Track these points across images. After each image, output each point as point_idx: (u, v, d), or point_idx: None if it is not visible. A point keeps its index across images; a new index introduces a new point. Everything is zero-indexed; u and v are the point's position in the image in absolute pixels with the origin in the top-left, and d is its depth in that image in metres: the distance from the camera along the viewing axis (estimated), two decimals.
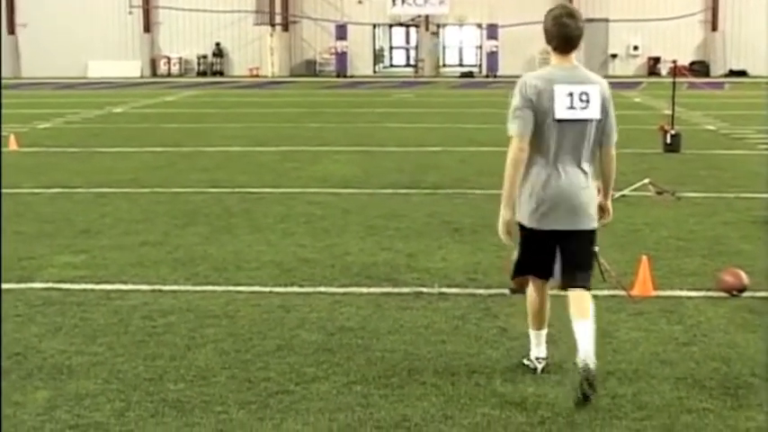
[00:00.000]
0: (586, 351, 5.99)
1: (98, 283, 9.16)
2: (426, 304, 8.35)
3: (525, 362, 6.69)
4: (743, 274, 8.69)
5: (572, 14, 6.14)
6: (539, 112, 6.05)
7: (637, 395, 6.22)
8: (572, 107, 6.06)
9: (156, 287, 8.99)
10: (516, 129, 6.08)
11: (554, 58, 6.21)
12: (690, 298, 8.54)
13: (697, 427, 5.71)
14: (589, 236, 6.31)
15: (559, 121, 6.05)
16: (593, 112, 6.12)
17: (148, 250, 10.59)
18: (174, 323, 7.83)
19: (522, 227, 6.32)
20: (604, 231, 11.31)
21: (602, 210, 6.48)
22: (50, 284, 9.08)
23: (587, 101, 6.08)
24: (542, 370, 6.57)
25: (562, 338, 7.42)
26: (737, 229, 11.60)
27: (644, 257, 8.78)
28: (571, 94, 6.06)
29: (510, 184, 6.18)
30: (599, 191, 6.40)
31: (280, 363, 6.84)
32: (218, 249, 10.58)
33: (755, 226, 11.81)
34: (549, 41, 6.18)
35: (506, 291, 8.65)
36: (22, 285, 9.02)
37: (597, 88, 6.14)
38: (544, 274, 6.44)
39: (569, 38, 6.11)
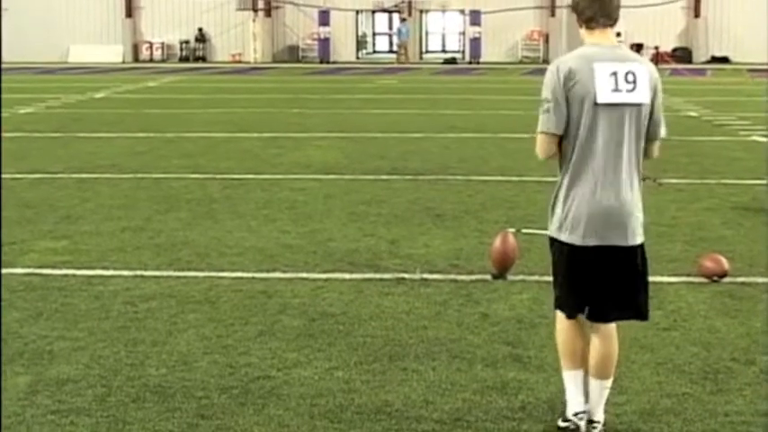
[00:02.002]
0: (600, 412, 5.43)
1: (79, 268, 9.13)
2: (408, 290, 8.36)
3: (562, 424, 5.52)
4: (723, 260, 8.73)
5: None
6: (575, 97, 5.05)
7: (617, 380, 6.22)
8: (617, 89, 5.06)
9: (138, 273, 8.98)
10: (545, 124, 5.10)
11: (589, 37, 5.21)
12: (671, 284, 8.58)
13: (677, 412, 5.74)
14: (642, 253, 5.32)
15: (603, 105, 5.05)
16: (643, 95, 5.11)
17: (130, 236, 10.56)
18: (156, 309, 7.83)
19: (556, 243, 5.34)
20: None
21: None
22: (31, 270, 9.05)
23: (634, 81, 5.08)
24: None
25: (542, 324, 7.45)
26: (719, 216, 11.65)
27: None
28: (615, 74, 5.05)
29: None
30: None
31: (261, 348, 6.84)
32: (199, 235, 10.56)
33: (737, 212, 11.86)
34: (582, 16, 5.19)
35: (488, 276, 8.70)
36: (4, 271, 8.98)
37: (645, 68, 5.15)
38: (583, 304, 5.35)
39: (607, 6, 5.15)
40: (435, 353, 6.74)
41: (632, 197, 5.19)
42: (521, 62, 54.03)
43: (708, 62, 52.75)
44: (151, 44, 57.34)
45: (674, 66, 38.77)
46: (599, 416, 5.43)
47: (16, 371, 6.41)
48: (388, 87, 35.17)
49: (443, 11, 58.83)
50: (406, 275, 8.81)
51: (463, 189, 13.44)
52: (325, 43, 55.23)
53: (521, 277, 8.73)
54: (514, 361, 6.59)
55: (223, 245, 10.08)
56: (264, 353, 6.74)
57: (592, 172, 5.12)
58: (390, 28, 61.62)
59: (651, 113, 5.22)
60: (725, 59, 53.25)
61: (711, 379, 6.27)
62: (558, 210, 5.25)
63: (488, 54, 54.08)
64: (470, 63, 53.66)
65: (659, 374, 6.35)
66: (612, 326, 5.38)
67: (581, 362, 5.42)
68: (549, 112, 5.08)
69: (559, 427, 5.51)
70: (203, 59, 56.63)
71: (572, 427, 5.43)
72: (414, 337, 7.11)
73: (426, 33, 60.51)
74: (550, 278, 8.69)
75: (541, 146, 5.17)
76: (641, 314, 5.40)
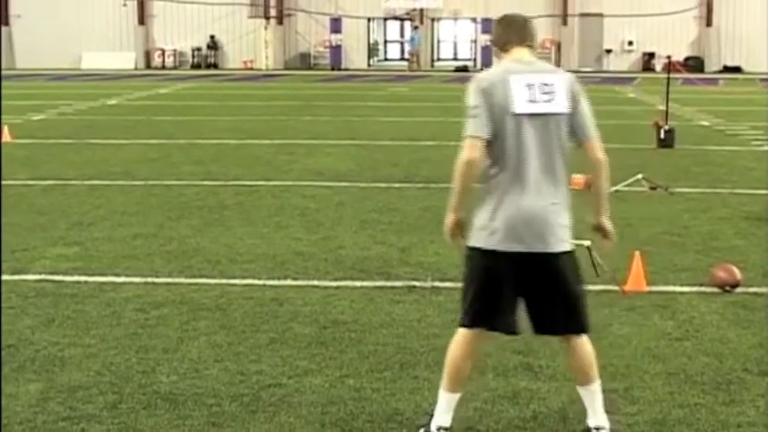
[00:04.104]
0: (602, 416, 5.47)
1: (91, 275, 9.15)
2: (419, 298, 8.35)
3: None
4: (736, 270, 8.70)
5: (521, 15, 5.61)
6: (495, 110, 5.17)
7: (629, 390, 6.23)
8: (533, 100, 5.20)
9: (149, 279, 8.98)
10: (472, 129, 5.19)
11: (506, 57, 5.43)
12: (683, 293, 8.55)
13: (689, 422, 5.72)
14: (569, 260, 5.32)
15: (519, 116, 5.18)
16: (560, 105, 5.24)
17: (142, 242, 10.57)
18: (167, 316, 7.83)
19: (473, 251, 5.32)
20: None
21: (598, 230, 5.57)
22: (43, 276, 9.07)
23: (551, 92, 5.23)
24: None
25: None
26: (731, 225, 11.62)
27: (637, 253, 8.79)
28: (531, 85, 5.20)
29: (459, 191, 5.29)
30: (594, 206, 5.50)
31: (272, 356, 6.84)
32: (211, 242, 10.57)
33: (749, 222, 11.82)
34: (499, 43, 5.50)
35: None
36: (16, 277, 9.00)
37: (561, 77, 5.31)
38: (496, 322, 5.33)
39: (521, 30, 5.44)
40: None
41: (555, 205, 5.25)
42: None
43: (720, 72, 52.67)
44: (163, 51, 57.47)
45: (686, 75, 38.68)
46: (601, 421, 5.43)
47: (28, 378, 6.42)
48: (400, 95, 35.17)
49: (455, 19, 58.84)
50: (417, 283, 8.80)
51: (475, 198, 13.40)
52: (336, 50, 55.30)
53: None
54: (526, 370, 6.58)
55: (234, 252, 10.08)
56: (275, 360, 6.74)
57: (513, 181, 5.21)
58: (402, 36, 61.59)
59: (575, 120, 5.30)
60: (737, 69, 53.16)
61: (724, 389, 6.24)
62: (481, 218, 5.30)
63: None
64: (482, 71, 53.58)
65: (671, 385, 6.33)
66: (582, 336, 5.41)
67: (463, 384, 5.46)
68: (477, 117, 5.20)
69: None
70: (215, 66, 56.73)
71: None
72: (425, 345, 7.09)
73: (438, 41, 60.48)
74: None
75: (469, 150, 5.20)
76: (583, 327, 5.39)
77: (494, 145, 5.21)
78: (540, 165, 5.21)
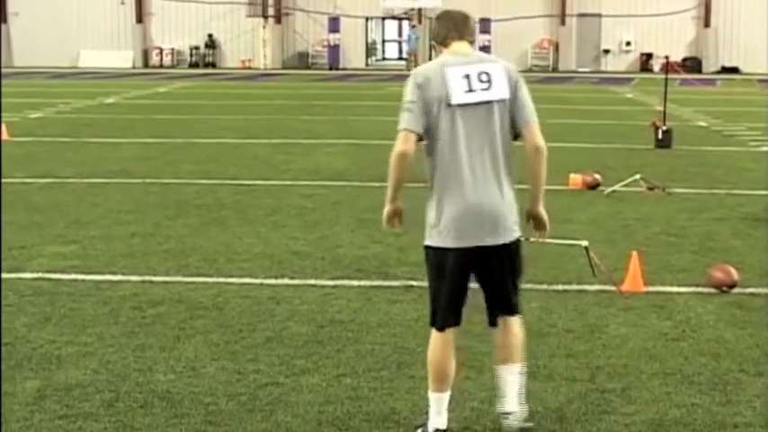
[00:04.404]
0: (513, 402, 5.50)
1: (88, 273, 9.14)
2: (417, 297, 8.35)
3: None
4: (733, 271, 8.71)
5: (461, 11, 5.57)
6: (432, 103, 5.19)
7: (626, 390, 6.23)
8: (471, 89, 5.20)
9: (147, 278, 8.98)
10: (405, 122, 5.23)
11: (446, 50, 5.40)
12: (680, 294, 8.56)
13: (686, 422, 5.72)
14: (515, 249, 5.43)
15: (458, 106, 5.19)
16: (500, 92, 5.23)
17: (139, 241, 10.57)
18: (164, 314, 7.83)
19: (428, 250, 5.40)
20: (595, 226, 11.45)
21: (533, 219, 5.58)
22: (40, 274, 9.07)
23: (488, 80, 5.22)
24: None
25: (550, 333, 7.44)
26: (728, 226, 11.62)
27: (634, 253, 8.79)
28: (468, 76, 5.21)
29: (393, 184, 5.40)
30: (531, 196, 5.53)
31: (269, 355, 6.84)
32: (208, 241, 10.57)
33: (746, 222, 11.83)
34: (439, 39, 5.44)
35: None
36: (12, 275, 9.00)
37: (499, 66, 5.30)
38: (457, 315, 5.45)
39: (459, 25, 5.42)
40: None
41: (502, 194, 5.31)
42: (530, 70, 53.98)
43: (718, 72, 52.69)
44: (161, 50, 57.42)
45: (683, 76, 38.70)
46: (512, 406, 5.46)
47: (25, 376, 6.42)
48: (398, 94, 35.04)
49: None
50: (414, 283, 8.80)
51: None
52: (334, 50, 55.28)
53: (529, 286, 8.68)
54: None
55: (232, 251, 10.08)
56: (272, 359, 6.74)
57: (458, 174, 5.23)
58: (400, 35, 61.60)
59: (515, 106, 5.30)
60: (735, 70, 53.17)
61: (720, 390, 6.25)
62: (431, 216, 5.35)
63: None
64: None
65: (668, 385, 6.33)
66: (516, 317, 5.54)
67: (448, 383, 5.48)
68: (410, 112, 5.23)
69: None
70: (213, 65, 56.69)
71: None
72: (422, 344, 7.06)
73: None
74: (560, 286, 8.78)
75: (402, 142, 5.24)
76: (514, 309, 5.54)
77: (434, 139, 5.25)
78: (482, 155, 5.24)
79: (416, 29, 56.20)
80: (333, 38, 55.17)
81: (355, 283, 8.86)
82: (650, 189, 13.80)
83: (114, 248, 10.17)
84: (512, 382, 5.49)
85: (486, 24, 54.38)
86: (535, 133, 5.34)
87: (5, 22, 57.60)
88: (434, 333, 5.47)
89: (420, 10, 56.75)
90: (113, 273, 9.16)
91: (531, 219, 5.57)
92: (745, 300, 8.38)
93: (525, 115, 5.33)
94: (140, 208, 12.55)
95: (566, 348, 7.04)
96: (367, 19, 57.87)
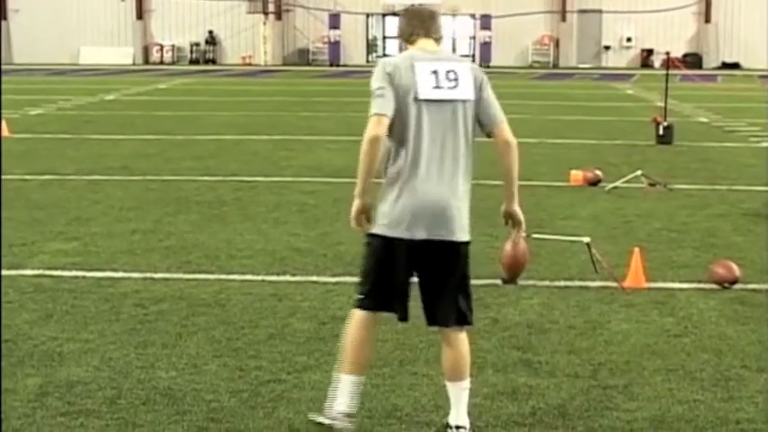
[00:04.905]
0: (463, 415, 5.40)
1: (89, 270, 9.14)
2: (418, 294, 8.32)
3: (318, 419, 5.52)
4: (734, 266, 8.70)
5: (429, 8, 5.61)
6: (399, 93, 5.14)
7: (628, 386, 6.23)
8: (438, 86, 5.18)
9: (148, 275, 8.98)
10: (377, 107, 5.13)
11: (411, 47, 5.36)
12: (682, 290, 8.55)
13: (688, 419, 5.72)
14: (464, 251, 5.36)
15: (424, 101, 5.15)
16: (466, 92, 5.23)
17: (140, 238, 10.57)
18: (166, 311, 7.82)
19: (375, 237, 5.32)
20: (596, 223, 11.45)
21: (510, 217, 5.53)
22: (42, 271, 9.06)
23: (456, 79, 5.21)
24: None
25: (552, 329, 7.44)
26: (729, 222, 11.62)
27: (636, 249, 8.79)
28: (436, 72, 5.19)
29: (365, 170, 5.24)
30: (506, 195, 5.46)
31: (271, 351, 6.83)
32: (209, 238, 10.56)
33: (747, 218, 11.83)
34: (404, 35, 5.41)
35: (498, 281, 8.68)
36: (13, 272, 8.99)
37: (466, 66, 5.30)
38: (395, 306, 5.44)
39: (426, 22, 5.39)
40: None
41: (457, 194, 5.26)
42: (531, 67, 54.02)
43: (718, 68, 52.69)
44: (161, 46, 57.44)
45: (684, 72, 38.70)
46: (462, 420, 5.39)
47: (26, 373, 6.41)
48: None
49: (454, 15, 58.77)
50: (416, 279, 8.77)
51: (473, 193, 13.38)
52: (335, 46, 55.29)
53: (531, 282, 8.72)
54: (525, 366, 6.57)
55: (233, 247, 10.07)
56: (274, 356, 6.73)
57: (417, 168, 5.19)
58: None
59: (482, 107, 5.28)
60: (735, 65, 53.19)
61: (723, 386, 6.24)
62: (385, 205, 5.28)
63: (499, 58, 54.07)
64: (480, 67, 53.58)
65: (670, 381, 6.33)
66: (466, 328, 5.44)
67: (365, 367, 5.48)
68: (382, 97, 5.15)
69: (313, 421, 5.51)
70: (213, 62, 56.71)
71: (327, 423, 5.41)
72: (424, 341, 7.08)
73: None
74: (562, 283, 8.78)
75: (374, 126, 5.13)
76: (466, 319, 5.42)
77: (396, 131, 5.19)
78: (442, 152, 5.21)
79: None
80: (333, 34, 55.19)
81: (357, 279, 8.83)
82: (651, 185, 13.80)
83: (115, 245, 10.17)
84: (462, 396, 5.41)
85: (486, 21, 54.41)
86: (505, 129, 5.33)
87: (5, 18, 57.62)
88: (359, 313, 5.43)
89: (420, 6, 56.72)
90: (114, 270, 9.16)
91: (507, 217, 5.53)
92: (747, 296, 8.38)
93: (493, 115, 5.32)
94: (141, 205, 12.55)
95: (567, 345, 7.03)
96: (367, 15, 57.89)
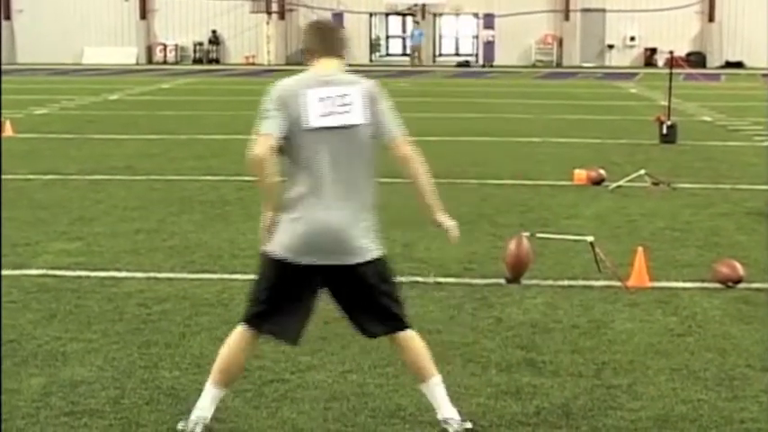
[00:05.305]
0: (447, 407, 5.42)
1: (93, 270, 9.14)
2: (422, 293, 8.34)
3: (180, 426, 5.46)
4: (738, 266, 8.69)
5: (331, 23, 5.71)
6: (290, 120, 5.17)
7: (632, 386, 6.22)
8: (329, 113, 5.19)
9: (151, 275, 8.98)
10: (264, 127, 5.18)
11: (315, 66, 5.36)
12: (685, 289, 8.54)
13: (692, 418, 5.71)
14: (371, 268, 5.31)
15: (314, 130, 5.17)
16: (356, 117, 5.22)
17: (143, 237, 10.57)
18: (169, 311, 7.82)
19: (269, 257, 5.30)
20: (600, 222, 11.44)
21: (438, 227, 5.54)
22: (45, 271, 9.06)
23: (348, 104, 5.21)
24: None
25: (556, 329, 7.43)
26: (733, 221, 11.61)
27: (640, 248, 8.78)
28: (326, 98, 5.19)
29: (261, 188, 5.26)
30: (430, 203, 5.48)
31: (275, 351, 6.82)
32: (213, 237, 10.56)
33: (751, 217, 11.81)
34: (309, 50, 5.39)
35: (502, 280, 8.68)
36: (17, 272, 9.00)
37: (358, 88, 5.27)
38: (286, 329, 5.41)
39: (327, 40, 5.37)
40: (449, 357, 6.71)
41: (355, 216, 5.25)
42: (534, 66, 53.97)
43: (722, 67, 52.62)
44: (165, 46, 57.42)
45: (688, 71, 38.64)
46: (448, 412, 5.39)
47: (30, 372, 6.41)
48: (402, 90, 35.12)
49: (457, 14, 58.78)
50: (419, 279, 8.79)
51: (477, 193, 13.42)
52: None
53: (535, 281, 8.71)
54: (529, 366, 6.57)
55: (236, 247, 10.07)
56: (278, 356, 6.72)
57: (311, 194, 5.19)
58: (404, 31, 61.53)
59: (376, 125, 5.27)
60: (739, 64, 53.11)
61: (727, 385, 6.24)
62: (280, 228, 5.25)
63: (502, 58, 54.04)
64: (484, 66, 53.61)
65: (674, 381, 6.32)
66: (410, 331, 5.45)
67: (230, 382, 5.49)
68: (269, 118, 5.18)
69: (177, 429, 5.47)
70: (217, 61, 56.69)
71: (187, 430, 5.40)
72: (427, 340, 7.01)
73: (440, 37, 60.44)
74: (565, 282, 8.77)
75: (258, 146, 5.16)
76: (399, 325, 5.42)
77: (293, 155, 5.20)
78: (337, 177, 5.20)
79: (420, 25, 56.19)
80: None
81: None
82: (655, 184, 13.78)
83: (119, 245, 10.17)
84: (437, 393, 5.43)
85: (489, 20, 54.38)
86: (401, 144, 5.33)
87: (9, 18, 57.64)
88: (239, 328, 5.43)
89: (423, 6, 56.73)
90: (118, 269, 9.16)
91: (437, 227, 5.51)
92: (751, 295, 8.37)
93: (389, 131, 5.31)
94: (144, 204, 12.55)
95: (571, 344, 7.03)
96: (370, 15, 57.87)
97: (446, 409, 5.42)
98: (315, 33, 5.42)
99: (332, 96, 5.20)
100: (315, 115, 5.17)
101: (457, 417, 5.41)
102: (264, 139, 5.16)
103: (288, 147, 5.20)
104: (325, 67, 5.33)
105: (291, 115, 5.17)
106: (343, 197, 5.22)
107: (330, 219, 5.19)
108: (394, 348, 5.58)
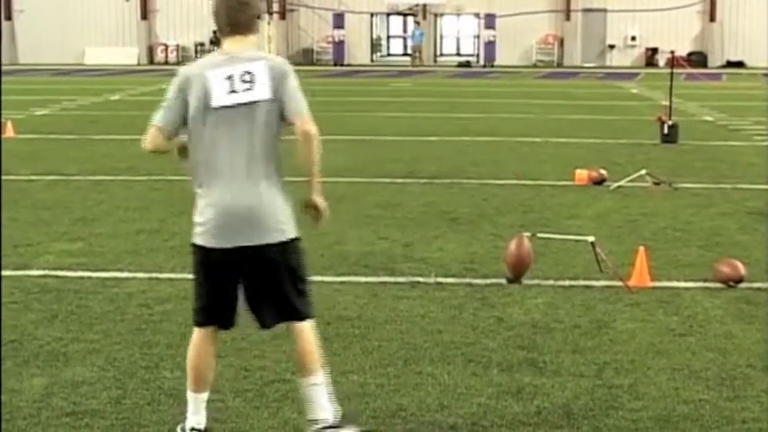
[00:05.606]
0: (318, 409, 5.30)
1: (95, 270, 9.14)
2: (423, 294, 8.35)
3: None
4: (740, 265, 8.69)
5: None
6: (193, 103, 5.13)
7: (633, 386, 6.22)
8: (233, 90, 5.09)
9: (153, 275, 8.98)
10: (156, 118, 5.20)
11: (223, 44, 5.26)
12: (687, 289, 8.54)
13: (693, 418, 5.71)
14: (283, 250, 5.22)
15: (219, 108, 5.09)
16: (260, 92, 5.10)
17: (145, 238, 10.57)
18: (171, 311, 7.83)
19: (193, 248, 5.29)
20: (601, 222, 11.45)
21: (311, 207, 5.40)
22: (47, 272, 9.07)
23: (251, 81, 5.10)
24: None
25: (557, 329, 7.43)
26: (734, 221, 11.61)
27: (641, 248, 8.78)
28: (231, 77, 5.09)
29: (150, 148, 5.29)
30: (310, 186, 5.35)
31: (276, 351, 6.83)
32: None
33: (752, 217, 11.81)
34: (218, 28, 5.27)
35: (503, 280, 8.68)
36: (19, 272, 9.00)
37: (263, 64, 5.14)
38: (223, 318, 5.34)
39: (232, 16, 5.19)
40: (450, 357, 6.72)
41: (263, 195, 5.15)
42: (535, 66, 53.98)
43: (723, 67, 52.62)
44: (166, 46, 57.45)
45: (689, 70, 38.64)
46: (318, 414, 5.28)
47: (32, 373, 6.42)
48: (403, 90, 35.15)
49: (458, 14, 58.80)
50: (420, 279, 8.80)
51: (478, 193, 13.42)
52: (339, 46, 55.29)
53: (536, 281, 8.71)
54: (530, 365, 6.57)
55: None
56: (279, 356, 6.73)
57: (217, 175, 5.13)
58: (405, 31, 61.57)
59: (282, 101, 5.15)
60: (740, 64, 53.11)
61: (728, 385, 6.24)
62: (196, 215, 5.24)
63: (503, 58, 54.03)
64: (485, 66, 53.61)
65: (675, 380, 6.32)
66: (303, 323, 5.34)
67: (205, 384, 5.39)
68: (166, 109, 5.18)
69: None
70: None
71: None
72: (429, 340, 7.09)
73: (441, 37, 60.47)
74: (566, 282, 8.77)
75: (149, 137, 5.21)
76: (298, 314, 5.33)
77: (195, 141, 5.17)
78: (241, 157, 5.12)
79: (421, 25, 56.20)
80: (337, 34, 55.18)
81: (362, 279, 8.85)
82: (656, 184, 13.78)
83: (120, 245, 10.18)
84: (313, 392, 5.30)
85: (490, 20, 54.38)
86: (304, 121, 5.20)
87: (10, 19, 57.66)
88: (195, 331, 5.39)
89: (425, 6, 56.75)
90: (120, 270, 9.16)
91: (309, 206, 5.39)
92: (752, 295, 8.37)
93: (293, 108, 5.16)
94: (146, 205, 12.55)
95: (572, 344, 7.03)
96: (372, 15, 57.88)
97: (318, 410, 5.29)
98: (218, 12, 5.26)
99: (235, 74, 5.10)
100: (218, 95, 5.09)
101: (329, 418, 5.26)
102: (154, 132, 5.19)
103: (194, 128, 5.15)
104: (233, 45, 5.21)
105: (196, 97, 5.11)
106: (247, 176, 5.12)
107: (236, 199, 5.11)
108: (289, 335, 5.43)
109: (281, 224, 5.21)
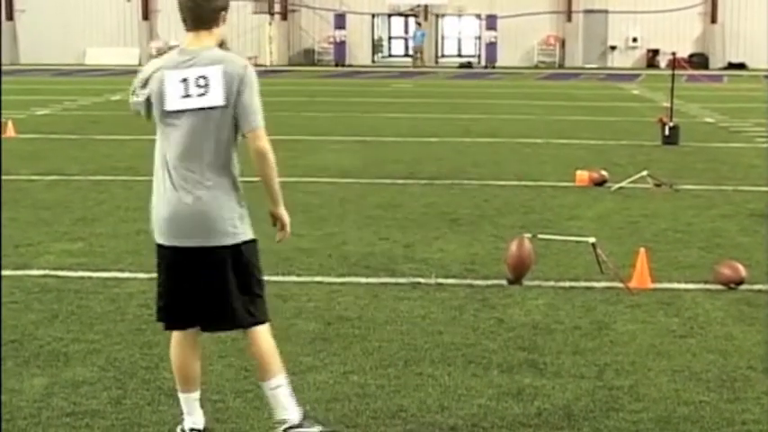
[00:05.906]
0: (281, 411, 5.30)
1: (95, 270, 9.14)
2: (424, 294, 8.35)
3: None
4: (740, 267, 8.69)
5: None
6: (153, 102, 5.16)
7: (634, 387, 6.22)
8: (187, 95, 5.05)
9: (153, 275, 8.93)
10: (131, 102, 5.33)
11: (186, 39, 5.20)
12: (687, 290, 8.54)
13: (694, 420, 5.71)
14: (234, 253, 5.19)
15: (172, 112, 5.08)
16: (214, 98, 5.04)
17: (145, 238, 10.53)
18: None
19: (157, 247, 5.31)
20: (602, 223, 11.44)
21: (275, 220, 5.47)
22: (47, 272, 9.07)
23: (206, 85, 5.04)
24: None
25: (558, 330, 7.43)
26: (735, 222, 11.60)
27: (642, 250, 8.78)
28: (186, 80, 5.05)
29: None
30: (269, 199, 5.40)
31: None
32: None
33: (753, 219, 11.81)
34: (182, 20, 5.19)
35: (504, 281, 8.68)
36: (19, 272, 9.00)
37: (219, 69, 5.06)
38: (179, 317, 5.33)
39: (193, 11, 5.11)
40: (451, 358, 6.72)
41: (214, 198, 5.13)
42: (536, 67, 53.97)
43: (724, 68, 52.60)
44: (168, 47, 57.44)
45: (690, 72, 38.63)
46: (283, 414, 5.27)
47: (32, 373, 6.42)
48: (404, 91, 35.15)
49: (459, 15, 58.81)
50: (421, 280, 8.80)
51: (479, 194, 13.41)
52: (340, 47, 55.29)
53: (536, 282, 8.71)
54: (530, 367, 6.57)
55: None
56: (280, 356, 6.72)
57: (168, 177, 5.15)
58: (406, 32, 61.59)
59: (237, 112, 5.12)
60: (741, 66, 53.09)
61: (728, 387, 6.23)
62: (152, 212, 5.29)
63: (504, 59, 54.02)
64: (486, 67, 53.60)
65: (676, 382, 6.32)
66: (260, 327, 5.32)
67: (193, 383, 5.39)
68: (135, 95, 5.27)
69: None
70: None
71: None
72: (429, 341, 7.09)
73: (442, 37, 60.49)
74: (567, 283, 8.78)
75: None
76: (240, 321, 5.29)
77: (158, 136, 5.21)
78: (191, 161, 5.10)
79: (422, 26, 56.20)
80: (339, 34, 55.17)
81: (362, 280, 8.85)
82: (657, 185, 13.78)
83: (121, 246, 10.18)
84: (276, 394, 5.30)
85: (492, 21, 54.37)
86: (257, 136, 5.20)
87: (12, 19, 57.67)
88: (174, 333, 5.41)
89: (426, 7, 56.74)
90: (120, 270, 9.16)
91: (274, 219, 5.45)
92: (753, 296, 8.36)
93: (246, 121, 5.15)
94: (146, 205, 12.45)
95: (573, 345, 7.03)
96: (373, 16, 57.87)
97: (281, 412, 5.29)
98: (184, 3, 5.16)
99: (190, 78, 5.05)
100: (172, 98, 5.07)
101: (291, 420, 5.26)
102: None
103: (156, 123, 5.19)
104: (195, 42, 5.15)
105: (153, 96, 5.14)
106: (200, 180, 5.11)
107: (187, 201, 5.10)
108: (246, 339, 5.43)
109: (233, 227, 5.18)
